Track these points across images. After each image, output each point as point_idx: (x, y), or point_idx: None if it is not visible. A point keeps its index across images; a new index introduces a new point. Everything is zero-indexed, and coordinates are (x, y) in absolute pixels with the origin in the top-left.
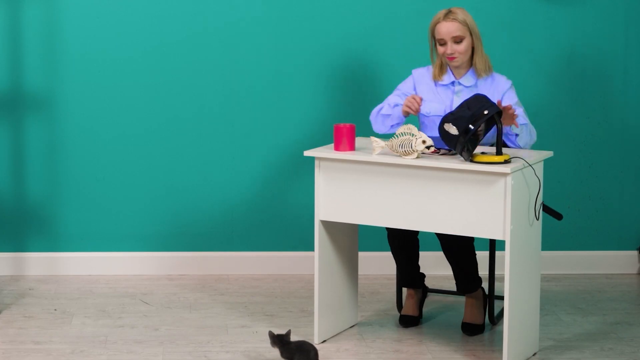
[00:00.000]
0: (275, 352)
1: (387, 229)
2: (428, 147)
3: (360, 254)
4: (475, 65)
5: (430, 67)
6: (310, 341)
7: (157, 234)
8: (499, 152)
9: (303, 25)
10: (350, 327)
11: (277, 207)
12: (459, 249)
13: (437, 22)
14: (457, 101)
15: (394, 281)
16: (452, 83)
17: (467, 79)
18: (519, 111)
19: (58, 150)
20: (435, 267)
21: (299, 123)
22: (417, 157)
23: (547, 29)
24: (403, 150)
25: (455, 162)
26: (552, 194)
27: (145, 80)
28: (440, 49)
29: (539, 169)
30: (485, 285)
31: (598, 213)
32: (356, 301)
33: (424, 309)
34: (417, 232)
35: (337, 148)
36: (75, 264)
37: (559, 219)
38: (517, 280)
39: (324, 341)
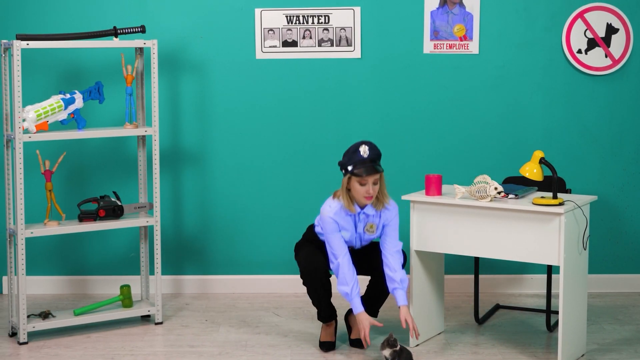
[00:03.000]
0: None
1: (303, 269)
2: (499, 193)
3: (446, 276)
4: (378, 200)
5: (339, 203)
6: (405, 345)
7: (285, 261)
8: (554, 196)
9: (402, 97)
10: (438, 333)
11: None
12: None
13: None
14: (359, 226)
15: (472, 298)
16: (358, 213)
17: (369, 209)
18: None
19: (208, 194)
20: (505, 287)
21: (397, 173)
22: (491, 201)
23: (593, 99)
24: (479, 195)
25: (521, 205)
26: (596, 230)
27: (273, 138)
28: (362, 189)
29: (586, 209)
30: (543, 301)
31: (632, 245)
32: (442, 313)
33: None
34: (329, 272)
35: (427, 193)
36: (222, 284)
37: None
38: (569, 297)
39: (417, 345)
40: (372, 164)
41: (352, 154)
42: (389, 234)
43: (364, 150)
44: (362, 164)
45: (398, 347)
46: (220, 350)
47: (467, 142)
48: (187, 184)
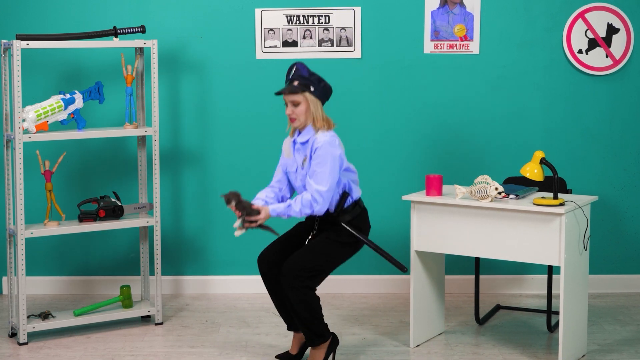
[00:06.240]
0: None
1: (265, 283)
2: (500, 193)
3: (446, 276)
4: (315, 126)
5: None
6: (406, 345)
7: None
8: (555, 197)
9: (402, 97)
10: (439, 334)
11: (381, 239)
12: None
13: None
14: (297, 156)
15: (473, 298)
16: (294, 141)
17: (302, 137)
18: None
19: (209, 194)
20: (506, 288)
21: (397, 173)
22: (491, 201)
23: (594, 99)
24: (480, 195)
25: (521, 205)
26: (597, 230)
27: (273, 139)
28: (286, 110)
29: (587, 210)
30: (543, 301)
31: (633, 245)
32: (443, 314)
33: None
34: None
35: (428, 193)
36: (222, 285)
37: (404, 270)
38: (569, 297)
39: (418, 345)
40: (290, 83)
41: (286, 74)
42: (310, 171)
43: (289, 71)
44: (285, 83)
45: (233, 204)
46: (220, 350)
47: (468, 142)
48: (187, 185)
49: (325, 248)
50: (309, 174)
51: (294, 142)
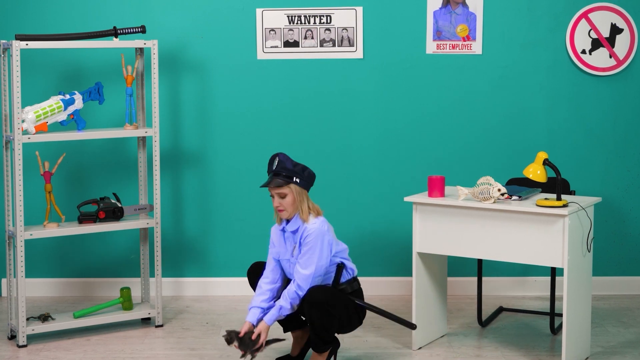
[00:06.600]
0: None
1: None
2: (502, 194)
3: (449, 278)
4: (300, 215)
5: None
6: (408, 347)
7: None
8: (558, 198)
9: (404, 97)
10: (441, 336)
11: (383, 241)
12: (317, 312)
13: None
14: (288, 244)
15: (475, 300)
16: (283, 229)
17: (291, 225)
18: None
19: (209, 196)
20: (509, 290)
21: (400, 174)
22: (494, 202)
23: (597, 100)
24: (483, 196)
25: (524, 206)
26: (600, 232)
27: (274, 140)
28: (273, 202)
29: (590, 211)
30: (547, 304)
31: (637, 247)
32: (445, 316)
33: None
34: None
35: (430, 195)
36: (222, 287)
37: (413, 328)
38: (573, 300)
39: (420, 348)
40: (274, 176)
41: (268, 165)
42: (299, 257)
43: (272, 163)
44: (268, 176)
45: (234, 341)
46: (221, 353)
47: (470, 143)
48: (188, 186)
49: (342, 295)
50: (297, 260)
51: (283, 231)
